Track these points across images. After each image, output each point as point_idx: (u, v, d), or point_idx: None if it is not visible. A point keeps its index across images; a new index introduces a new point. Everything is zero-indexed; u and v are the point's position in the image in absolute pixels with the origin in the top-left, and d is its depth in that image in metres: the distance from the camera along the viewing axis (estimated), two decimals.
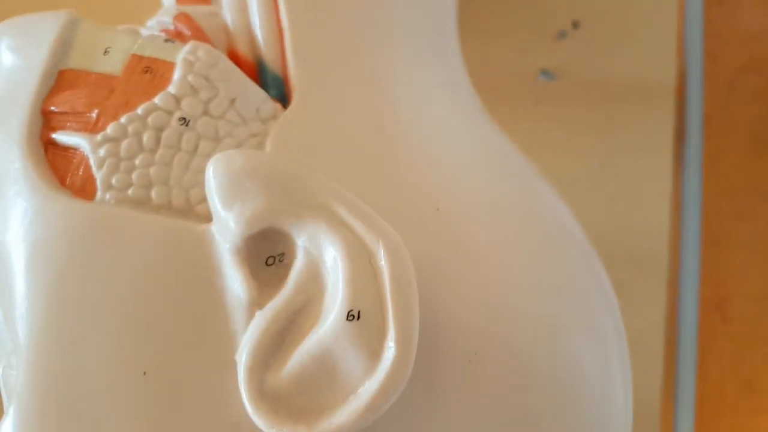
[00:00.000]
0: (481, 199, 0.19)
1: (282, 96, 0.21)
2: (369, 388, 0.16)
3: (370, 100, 0.20)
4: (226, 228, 0.17)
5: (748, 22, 0.67)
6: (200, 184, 0.18)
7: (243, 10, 0.21)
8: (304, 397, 0.16)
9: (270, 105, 0.20)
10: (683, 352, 0.44)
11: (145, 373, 0.17)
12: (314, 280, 0.17)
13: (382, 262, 0.16)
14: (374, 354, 0.16)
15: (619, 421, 0.20)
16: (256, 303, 0.17)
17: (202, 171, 0.18)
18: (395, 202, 0.18)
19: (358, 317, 0.16)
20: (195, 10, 0.22)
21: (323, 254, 0.17)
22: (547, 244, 0.20)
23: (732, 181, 0.64)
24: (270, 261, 0.17)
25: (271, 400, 0.16)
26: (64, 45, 0.20)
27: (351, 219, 0.17)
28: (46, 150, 0.19)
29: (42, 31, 0.20)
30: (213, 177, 0.17)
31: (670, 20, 0.41)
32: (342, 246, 0.16)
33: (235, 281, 0.17)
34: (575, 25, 0.41)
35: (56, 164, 0.19)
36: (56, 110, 0.19)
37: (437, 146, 0.20)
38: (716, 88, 0.66)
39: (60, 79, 0.20)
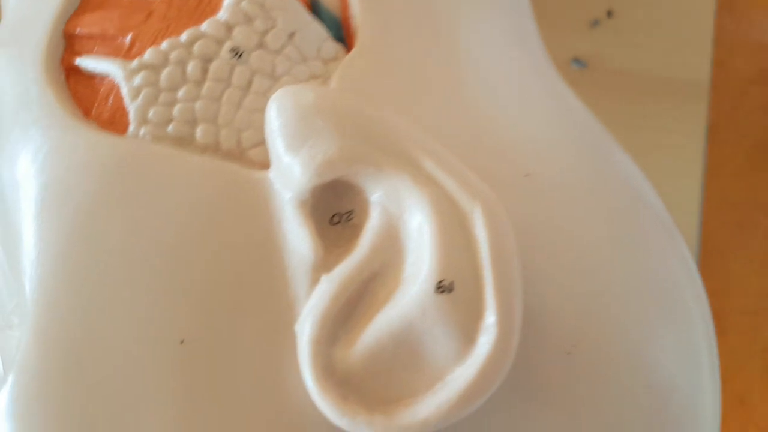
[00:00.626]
0: (571, 171, 0.17)
1: (340, 40, 0.18)
2: (462, 375, 0.13)
3: (443, 49, 0.18)
4: (290, 175, 0.14)
5: (760, 33, 0.66)
6: (254, 125, 0.16)
7: None
8: (379, 381, 0.13)
9: (332, 45, 0.17)
10: None
11: (182, 342, 0.14)
12: (392, 243, 0.14)
13: (479, 227, 0.14)
14: (469, 335, 0.13)
15: (708, 425, 0.18)
16: (323, 265, 0.14)
17: (256, 111, 0.16)
18: (480, 161, 0.16)
19: (451, 290, 0.13)
20: None
21: (404, 213, 0.14)
22: (641, 228, 0.17)
23: (734, 191, 0.63)
24: (335, 219, 0.15)
25: (340, 382, 0.13)
26: None
27: (441, 174, 0.14)
28: (67, 77, 0.16)
29: None
30: (277, 114, 0.14)
31: (707, 15, 0.39)
32: (431, 204, 0.14)
33: (297, 238, 0.14)
34: (609, 14, 0.40)
35: (79, 93, 0.16)
36: (82, 33, 0.17)
37: (518, 107, 0.18)
38: (723, 98, 0.65)
39: None
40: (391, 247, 0.14)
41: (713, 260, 0.62)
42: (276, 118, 0.14)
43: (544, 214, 0.16)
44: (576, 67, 0.38)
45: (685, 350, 0.17)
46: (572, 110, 0.19)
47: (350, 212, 0.15)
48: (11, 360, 0.15)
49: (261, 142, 0.15)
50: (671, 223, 0.19)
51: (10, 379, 0.14)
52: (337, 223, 0.15)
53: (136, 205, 0.15)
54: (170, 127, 0.15)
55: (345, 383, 0.13)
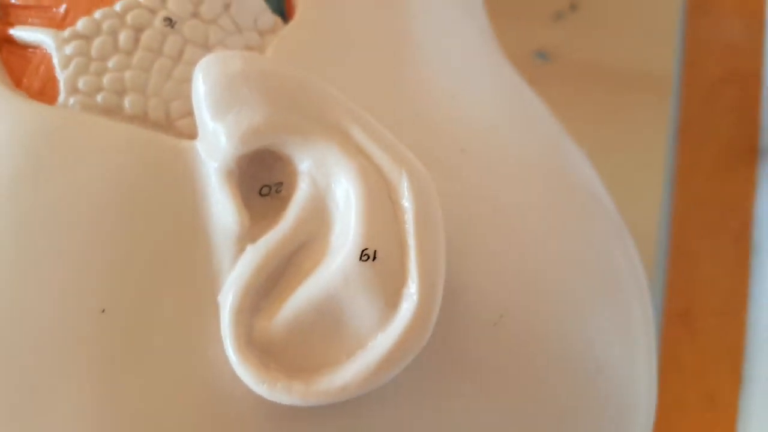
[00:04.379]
0: (509, 150, 0.17)
1: (281, 14, 0.18)
2: (382, 342, 0.13)
3: (385, 20, 0.18)
4: (216, 143, 0.14)
5: (730, 34, 0.66)
6: (184, 96, 0.15)
7: None
8: (300, 349, 0.13)
9: (269, 17, 0.17)
10: None
11: (103, 311, 0.14)
12: (319, 214, 0.14)
13: (406, 197, 0.14)
14: (390, 303, 0.13)
15: (640, 415, 0.18)
16: (248, 236, 0.14)
17: (186, 81, 0.15)
18: (415, 133, 0.16)
19: (374, 258, 0.13)
20: None
21: (332, 184, 0.14)
22: (579, 211, 0.17)
23: (704, 193, 0.63)
24: (264, 191, 0.15)
25: (261, 351, 0.13)
26: None
27: (369, 144, 0.14)
28: (0, 48, 0.16)
29: None
30: (204, 81, 0.14)
31: (673, 8, 0.40)
32: (357, 174, 0.14)
33: (223, 209, 0.14)
34: (573, 7, 0.40)
35: (11, 63, 0.16)
36: (18, 3, 0.16)
37: (460, 82, 0.18)
38: (694, 98, 0.65)
39: None
40: (318, 219, 0.14)
41: (683, 261, 0.63)
42: (202, 84, 0.14)
43: (477, 190, 0.16)
44: (539, 60, 0.38)
45: (620, 337, 0.17)
46: (519, 94, 0.19)
47: (280, 184, 0.15)
48: None
49: (190, 113, 0.15)
50: (618, 217, 0.19)
51: None
52: (266, 195, 0.15)
53: (62, 172, 0.14)
54: (99, 97, 0.15)
55: (266, 352, 0.13)
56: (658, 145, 0.38)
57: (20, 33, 0.16)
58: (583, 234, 0.17)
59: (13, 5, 0.16)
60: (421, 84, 0.17)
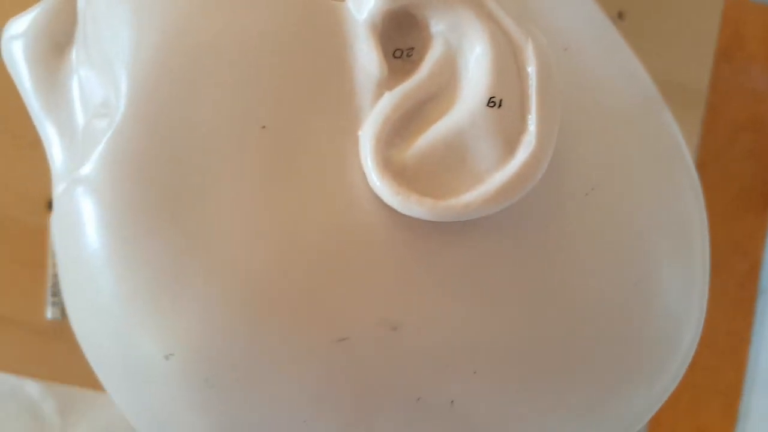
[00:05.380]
0: (607, 63, 0.19)
1: None
2: (500, 176, 0.15)
3: None
4: (367, 1, 0.16)
5: (754, 82, 0.69)
6: None
7: None
8: (429, 177, 0.15)
9: None
10: None
11: (264, 127, 0.16)
12: (450, 70, 0.16)
13: (530, 60, 0.16)
14: (510, 145, 0.15)
15: (687, 335, 0.19)
16: (386, 84, 0.16)
17: None
18: (528, 22, 0.18)
19: (500, 105, 0.15)
20: None
21: (464, 45, 0.16)
22: (665, 142, 0.19)
23: (714, 234, 0.65)
24: (397, 54, 0.17)
25: (396, 173, 0.15)
26: None
27: (500, 15, 0.16)
28: None
29: None
30: None
31: (712, 27, 0.41)
32: (489, 37, 0.16)
33: (366, 57, 0.16)
34: (620, 16, 0.41)
35: None
36: None
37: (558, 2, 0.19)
38: (714, 142, 0.67)
39: None
40: (448, 74, 0.16)
41: None
42: None
43: (579, 82, 0.18)
44: None
45: (682, 264, 0.18)
46: (619, 38, 0.21)
47: (411, 49, 0.17)
48: (96, 141, 0.16)
49: None
50: (689, 158, 0.20)
51: (100, 148, 0.16)
52: (399, 57, 0.17)
53: (229, 14, 0.16)
54: None
55: (400, 176, 0.15)
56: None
57: None
58: (667, 168, 0.19)
59: None
60: None
